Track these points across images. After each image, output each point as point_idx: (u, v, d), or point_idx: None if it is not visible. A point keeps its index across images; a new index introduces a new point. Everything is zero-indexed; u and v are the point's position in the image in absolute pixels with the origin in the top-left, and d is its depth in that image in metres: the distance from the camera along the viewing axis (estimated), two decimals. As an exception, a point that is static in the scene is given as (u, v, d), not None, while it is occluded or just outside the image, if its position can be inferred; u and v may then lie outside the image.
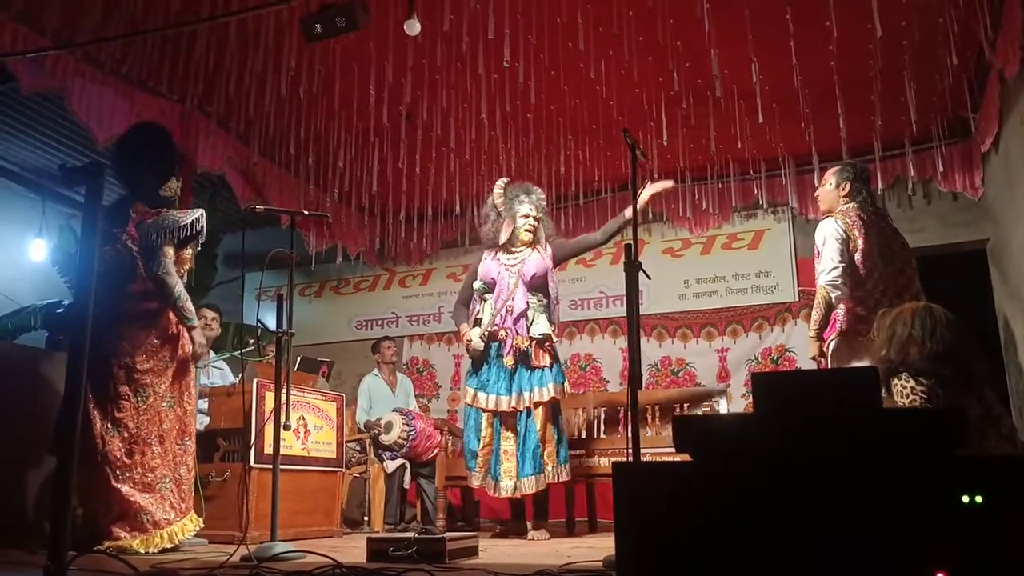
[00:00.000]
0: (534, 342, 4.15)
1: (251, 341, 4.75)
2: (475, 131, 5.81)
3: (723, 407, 4.86)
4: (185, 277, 3.60)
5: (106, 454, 3.35)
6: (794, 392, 1.53)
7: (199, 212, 3.55)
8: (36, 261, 7.24)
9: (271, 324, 3.49)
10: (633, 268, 2.92)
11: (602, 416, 5.31)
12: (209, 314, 5.09)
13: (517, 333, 4.16)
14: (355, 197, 6.87)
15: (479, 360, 4.27)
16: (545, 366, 4.15)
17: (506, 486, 4.10)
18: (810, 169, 6.14)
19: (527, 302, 4.20)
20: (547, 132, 5.97)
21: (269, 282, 7.59)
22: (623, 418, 5.18)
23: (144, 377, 3.42)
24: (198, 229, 3.51)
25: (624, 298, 3.12)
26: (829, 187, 3.84)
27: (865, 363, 3.42)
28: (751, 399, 6.51)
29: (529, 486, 4.08)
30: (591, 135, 6.07)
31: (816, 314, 3.67)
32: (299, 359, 5.72)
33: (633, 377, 2.86)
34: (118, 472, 3.35)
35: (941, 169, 5.99)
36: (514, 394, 4.13)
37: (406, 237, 7.51)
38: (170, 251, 3.47)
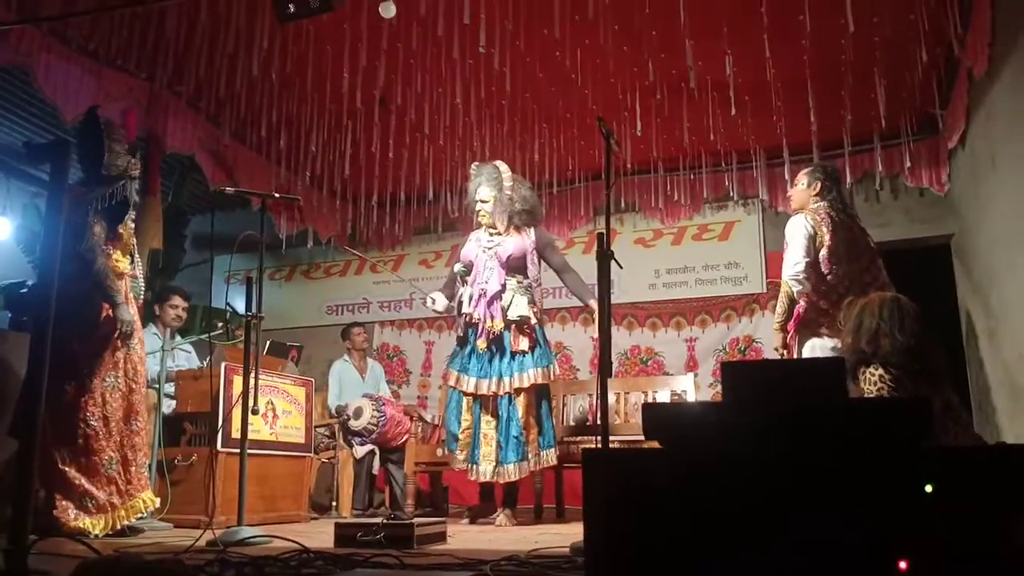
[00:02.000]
0: (513, 325, 4.13)
1: (219, 324, 4.68)
2: (449, 117, 5.77)
3: (691, 396, 4.90)
4: (133, 256, 3.54)
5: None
6: (763, 381, 1.53)
7: (120, 183, 3.45)
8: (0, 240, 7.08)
9: (240, 307, 3.46)
10: (605, 257, 2.92)
11: (572, 402, 5.33)
12: (179, 302, 5.03)
13: (492, 316, 4.13)
14: (327, 181, 6.81)
15: (462, 342, 4.25)
16: (524, 351, 4.12)
17: (484, 470, 4.09)
18: (781, 162, 6.19)
19: (503, 284, 4.17)
20: (522, 119, 5.95)
21: (238, 265, 7.50)
22: (593, 405, 5.20)
23: (81, 359, 3.36)
24: (120, 199, 3.43)
25: (595, 288, 3.12)
26: (801, 187, 3.91)
27: (827, 354, 3.50)
28: (719, 388, 6.55)
29: (511, 473, 4.07)
30: (566, 123, 6.06)
31: (780, 307, 3.76)
32: (268, 343, 5.66)
33: (604, 365, 2.87)
34: (64, 454, 3.30)
35: (909, 164, 6.07)
36: (493, 378, 4.11)
37: (378, 222, 7.46)
38: (98, 229, 3.40)
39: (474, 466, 4.12)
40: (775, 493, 1.39)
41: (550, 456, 4.16)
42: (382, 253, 8.00)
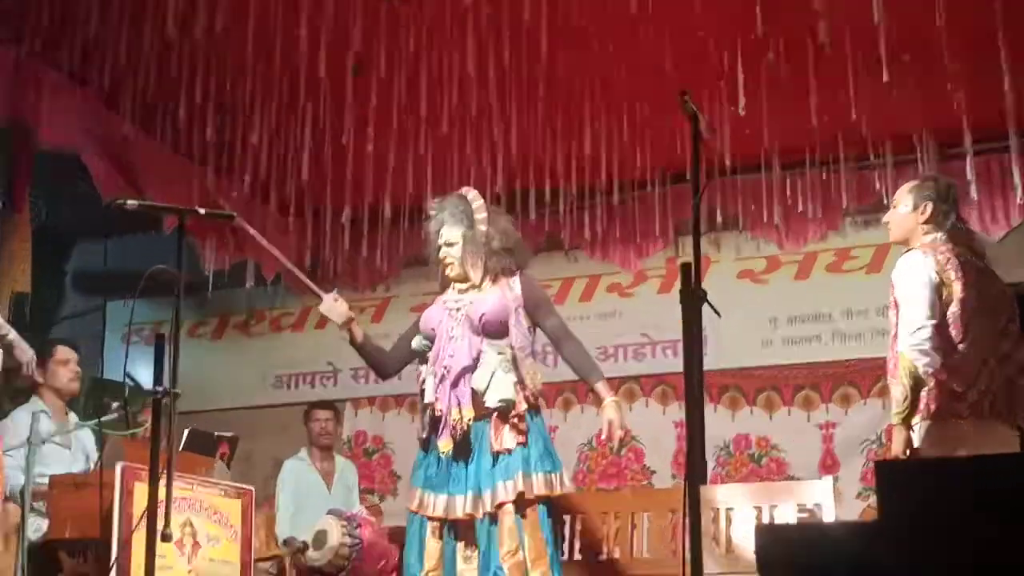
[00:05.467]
0: (494, 416, 4.14)
1: (114, 405, 4.71)
2: (456, 92, 5.82)
3: (828, 511, 4.82)
4: None
5: None
6: (942, 489, 1.51)
7: None
8: None
9: (145, 379, 3.47)
10: (694, 300, 2.92)
11: (645, 524, 5.26)
12: (68, 354, 5.08)
13: (458, 403, 4.15)
14: (276, 190, 6.88)
15: (424, 445, 4.27)
16: (508, 449, 4.11)
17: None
18: (960, 152, 6.16)
19: (475, 356, 4.19)
20: (564, 95, 5.99)
21: (144, 316, 7.56)
22: (677, 527, 5.13)
23: None
24: None
25: (679, 345, 3.09)
26: (904, 209, 4.00)
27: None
28: (872, 500, 6.39)
29: None
30: (631, 99, 6.10)
31: (899, 392, 3.78)
32: (187, 433, 5.67)
33: (692, 465, 2.85)
34: None
35: None
36: (468, 494, 4.10)
37: (352, 250, 7.49)
38: None
39: None
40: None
41: None
42: (358, 295, 8.02)
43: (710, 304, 3.00)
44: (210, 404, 7.77)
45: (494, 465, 4.09)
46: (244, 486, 4.95)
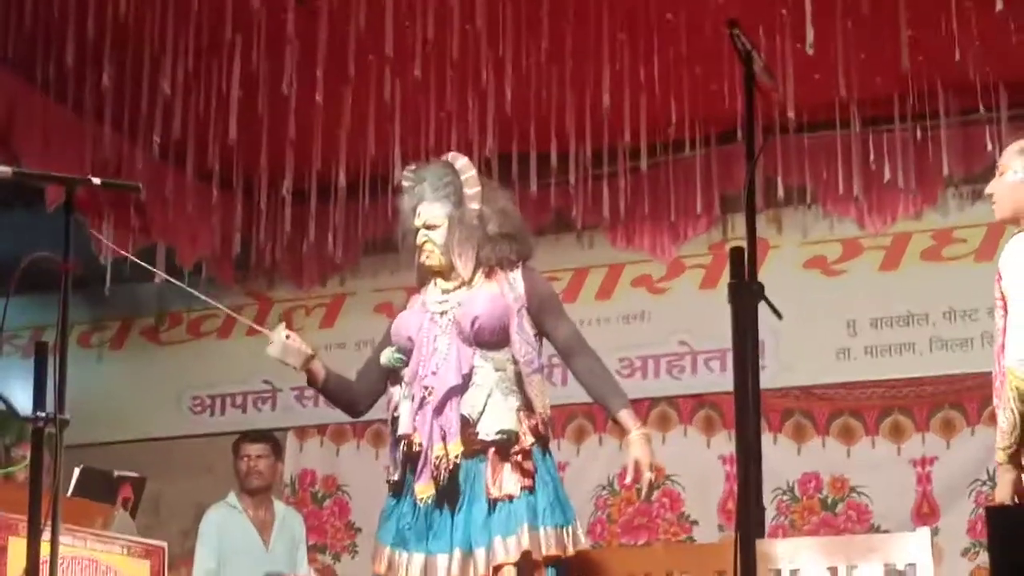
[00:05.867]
0: (491, 451, 4.14)
1: (-17, 437, 4.73)
2: (432, 26, 5.85)
3: (925, 573, 4.84)
4: None
5: None
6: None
7: None
8: None
9: (21, 403, 3.47)
10: (748, 297, 2.92)
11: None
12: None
13: (442, 435, 4.15)
14: (195, 152, 6.87)
15: (396, 490, 4.25)
16: (510, 495, 4.12)
17: None
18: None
19: (466, 372, 4.19)
20: (578, 29, 6.02)
21: (19, 319, 7.55)
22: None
23: None
24: None
25: (727, 357, 3.07)
26: (1014, 176, 4.02)
27: None
28: (982, 558, 6.36)
29: None
30: (664, 35, 6.12)
31: (1007, 419, 3.81)
32: (78, 472, 5.68)
33: (746, 513, 2.85)
34: None
35: None
36: (457, 551, 4.11)
37: (295, 232, 7.52)
38: None
39: None
40: None
41: None
42: (304, 293, 8.02)
43: (768, 302, 3.01)
44: (108, 434, 7.78)
45: (490, 515, 4.08)
46: (154, 542, 4.95)
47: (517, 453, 4.11)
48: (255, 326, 4.57)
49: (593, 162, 7.06)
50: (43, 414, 3.29)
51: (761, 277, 3.04)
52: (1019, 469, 3.82)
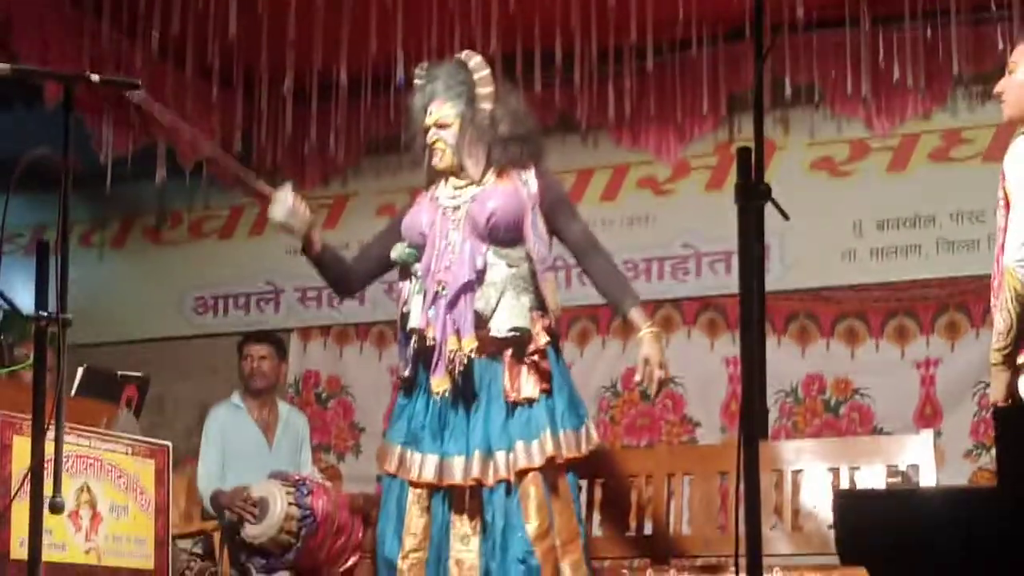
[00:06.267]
0: (507, 350, 4.14)
1: (-15, 335, 4.73)
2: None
3: (928, 474, 4.87)
4: None
5: None
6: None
7: None
8: None
9: (25, 302, 3.46)
10: (755, 198, 2.89)
11: (686, 490, 5.32)
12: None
13: (455, 328, 4.15)
14: (194, 50, 6.83)
15: (407, 386, 4.30)
16: (531, 399, 4.14)
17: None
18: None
19: (479, 268, 4.19)
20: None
21: (21, 218, 7.55)
22: (728, 495, 5.19)
23: None
24: None
25: (732, 259, 3.07)
26: (1023, 75, 3.99)
27: None
28: (985, 460, 6.42)
29: None
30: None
31: (1003, 320, 3.81)
32: (81, 372, 5.70)
33: (749, 415, 2.85)
34: None
35: None
36: (475, 453, 4.12)
37: (296, 132, 7.50)
38: None
39: None
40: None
41: None
42: (306, 192, 7.99)
43: (775, 203, 2.98)
44: (111, 334, 7.86)
45: (509, 418, 4.12)
46: (158, 441, 4.98)
47: (534, 354, 4.14)
48: (262, 186, 4.52)
49: (598, 61, 7.01)
50: (45, 313, 3.28)
51: (767, 178, 3.01)
52: (1013, 370, 3.82)
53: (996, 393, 3.87)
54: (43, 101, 6.19)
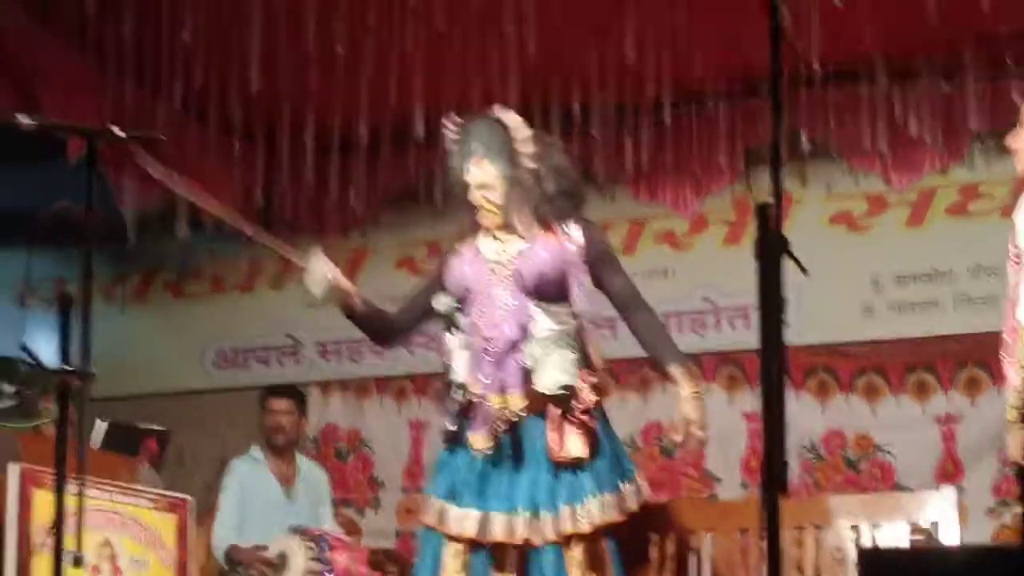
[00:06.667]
0: (552, 410, 4.13)
1: (7, 389, 4.73)
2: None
3: (950, 531, 4.85)
4: None
5: None
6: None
7: None
8: None
9: (46, 357, 3.48)
10: (774, 252, 2.90)
11: (707, 547, 5.30)
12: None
13: (503, 387, 4.15)
14: (216, 104, 6.89)
15: (451, 440, 4.27)
16: (579, 459, 4.14)
17: None
18: None
19: (524, 327, 4.19)
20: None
21: (44, 271, 7.58)
22: (749, 552, 5.17)
23: None
24: None
25: (752, 313, 3.04)
26: None
27: None
28: (1007, 517, 6.36)
29: None
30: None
31: (1019, 376, 3.91)
32: (104, 427, 5.72)
33: (770, 471, 2.84)
34: None
35: None
36: (524, 512, 4.11)
37: (317, 184, 7.53)
38: None
39: None
40: None
41: None
42: (324, 246, 7.99)
43: (794, 258, 2.98)
44: (133, 388, 7.86)
45: (555, 479, 4.11)
46: (179, 495, 4.98)
47: (579, 411, 4.13)
48: (293, 256, 4.55)
49: (616, 114, 7.05)
50: (68, 367, 3.30)
51: (785, 232, 3.00)
52: None
53: (1015, 451, 3.91)
54: (66, 155, 6.23)
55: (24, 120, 3.66)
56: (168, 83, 6.51)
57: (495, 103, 5.80)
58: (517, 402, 4.13)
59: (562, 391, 4.10)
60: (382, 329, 4.58)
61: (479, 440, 4.14)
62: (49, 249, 6.54)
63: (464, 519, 4.14)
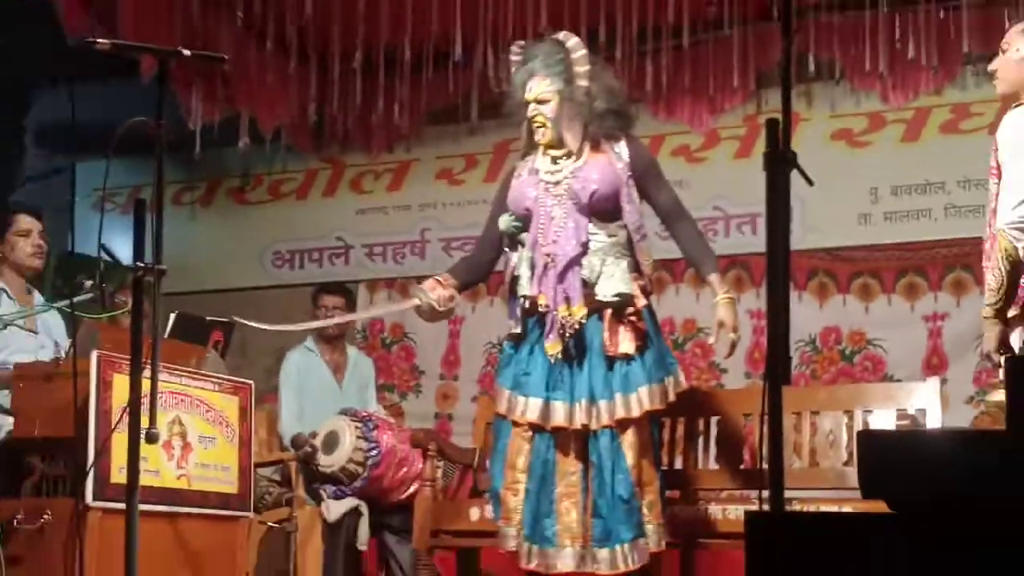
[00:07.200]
0: (607, 312, 4.17)
1: (87, 283, 4.75)
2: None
3: (934, 417, 4.86)
4: None
5: None
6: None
7: None
8: None
9: (123, 254, 3.49)
10: (782, 164, 2.88)
11: (713, 430, 5.32)
12: (30, 224, 5.13)
13: (567, 298, 4.17)
14: (274, 28, 6.85)
15: (517, 341, 4.32)
16: (629, 355, 4.17)
17: (563, 555, 4.11)
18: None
19: (584, 241, 4.20)
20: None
21: (120, 180, 7.60)
22: (752, 434, 5.19)
23: None
24: None
25: (758, 220, 3.06)
26: (1016, 54, 3.99)
27: None
28: (988, 405, 6.38)
29: (623, 561, 4.09)
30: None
31: (994, 278, 3.84)
32: (174, 317, 5.74)
33: (773, 362, 2.84)
34: None
35: None
36: (580, 401, 4.16)
37: (364, 103, 7.51)
38: None
39: (535, 548, 4.16)
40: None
41: (663, 534, 4.24)
42: (371, 159, 8.02)
43: (800, 170, 2.97)
44: (199, 284, 7.92)
45: (609, 371, 4.17)
46: (242, 380, 5.02)
47: (632, 314, 4.20)
48: (405, 307, 4.72)
49: (637, 39, 6.99)
50: (142, 264, 3.32)
51: (792, 147, 2.99)
52: (1004, 323, 3.86)
53: (989, 344, 3.93)
54: (138, 73, 6.21)
55: (102, 42, 3.64)
56: (230, 8, 6.49)
57: (527, 29, 5.80)
58: (580, 311, 4.16)
59: (617, 299, 4.16)
60: (476, 280, 4.71)
61: (550, 346, 4.18)
62: (125, 159, 6.60)
63: (527, 406, 4.21)
